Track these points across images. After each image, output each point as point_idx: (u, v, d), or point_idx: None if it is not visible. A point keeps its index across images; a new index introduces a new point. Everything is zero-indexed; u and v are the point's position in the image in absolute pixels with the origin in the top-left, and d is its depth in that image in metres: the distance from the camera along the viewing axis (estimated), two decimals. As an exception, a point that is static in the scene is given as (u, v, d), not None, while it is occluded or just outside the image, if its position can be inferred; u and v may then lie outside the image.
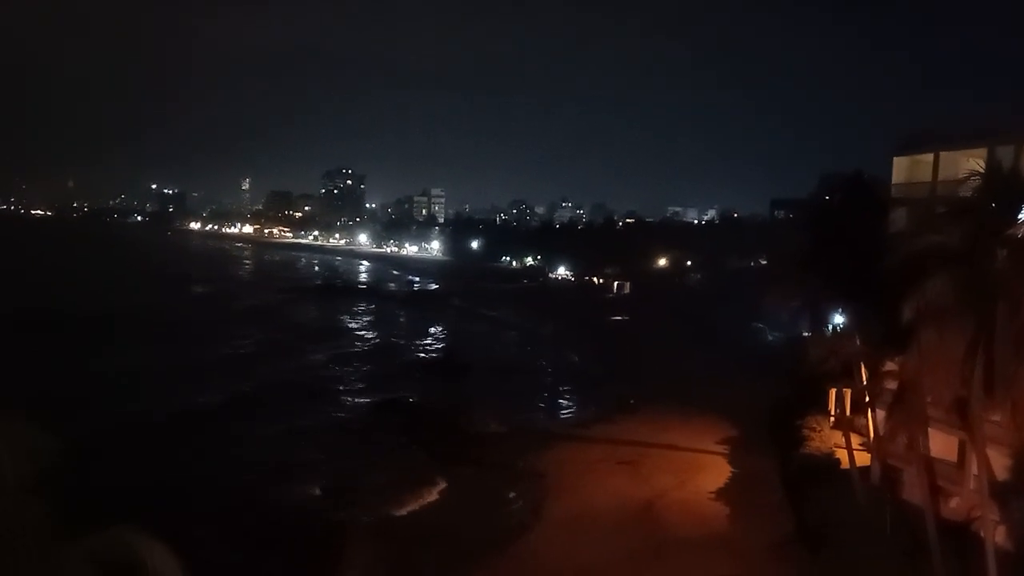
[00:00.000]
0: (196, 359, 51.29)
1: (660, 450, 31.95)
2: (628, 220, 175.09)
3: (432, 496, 27.42)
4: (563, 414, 42.83)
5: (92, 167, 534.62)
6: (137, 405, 37.96)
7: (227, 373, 47.29)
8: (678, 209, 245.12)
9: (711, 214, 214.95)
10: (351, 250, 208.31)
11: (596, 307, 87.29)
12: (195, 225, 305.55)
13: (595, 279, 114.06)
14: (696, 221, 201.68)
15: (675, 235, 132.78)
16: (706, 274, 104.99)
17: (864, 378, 23.87)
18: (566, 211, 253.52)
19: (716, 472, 29.22)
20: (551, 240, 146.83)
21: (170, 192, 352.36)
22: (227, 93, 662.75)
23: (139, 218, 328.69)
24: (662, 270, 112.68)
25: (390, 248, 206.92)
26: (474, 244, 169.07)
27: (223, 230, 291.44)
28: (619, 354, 57.41)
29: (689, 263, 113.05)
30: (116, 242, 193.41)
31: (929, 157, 26.49)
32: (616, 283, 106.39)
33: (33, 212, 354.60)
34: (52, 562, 7.62)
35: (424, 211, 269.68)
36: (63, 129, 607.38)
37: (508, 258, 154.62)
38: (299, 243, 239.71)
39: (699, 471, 29.38)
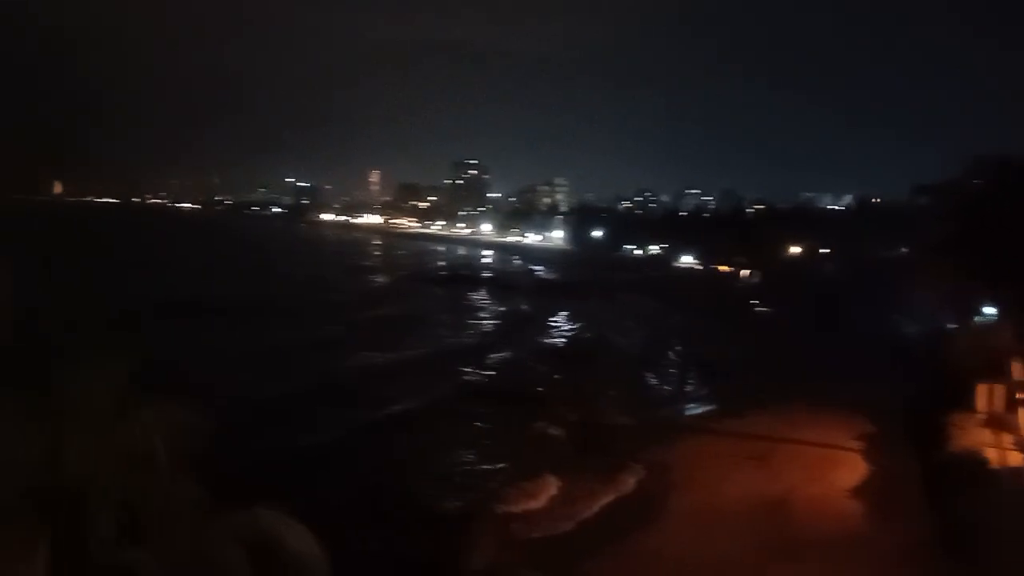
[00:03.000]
0: (325, 339, 53.69)
1: (791, 445, 30.76)
2: (758, 206, 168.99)
3: (553, 488, 27.47)
4: (689, 406, 41.96)
5: (235, 162, 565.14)
6: (281, 385, 39.70)
7: (348, 354, 49.24)
8: (811, 195, 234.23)
9: (847, 200, 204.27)
10: (474, 239, 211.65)
11: (723, 297, 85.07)
12: (327, 216, 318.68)
13: (723, 268, 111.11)
14: (831, 207, 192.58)
15: (808, 222, 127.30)
16: (841, 263, 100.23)
17: (1017, 372, 22.18)
18: (692, 198, 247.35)
19: (851, 469, 27.83)
20: (676, 228, 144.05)
21: (305, 185, 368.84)
22: (358, 88, 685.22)
23: (276, 210, 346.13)
24: (794, 258, 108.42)
25: (513, 237, 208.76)
26: (597, 233, 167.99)
27: (353, 221, 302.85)
28: (747, 345, 55.68)
29: (823, 251, 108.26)
30: (254, 233, 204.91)
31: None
32: (745, 272, 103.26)
33: (181, 206, 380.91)
34: (201, 538, 8.16)
35: (547, 200, 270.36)
36: (208, 126, 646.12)
37: (632, 247, 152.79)
38: (424, 233, 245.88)
39: (833, 468, 28.09)
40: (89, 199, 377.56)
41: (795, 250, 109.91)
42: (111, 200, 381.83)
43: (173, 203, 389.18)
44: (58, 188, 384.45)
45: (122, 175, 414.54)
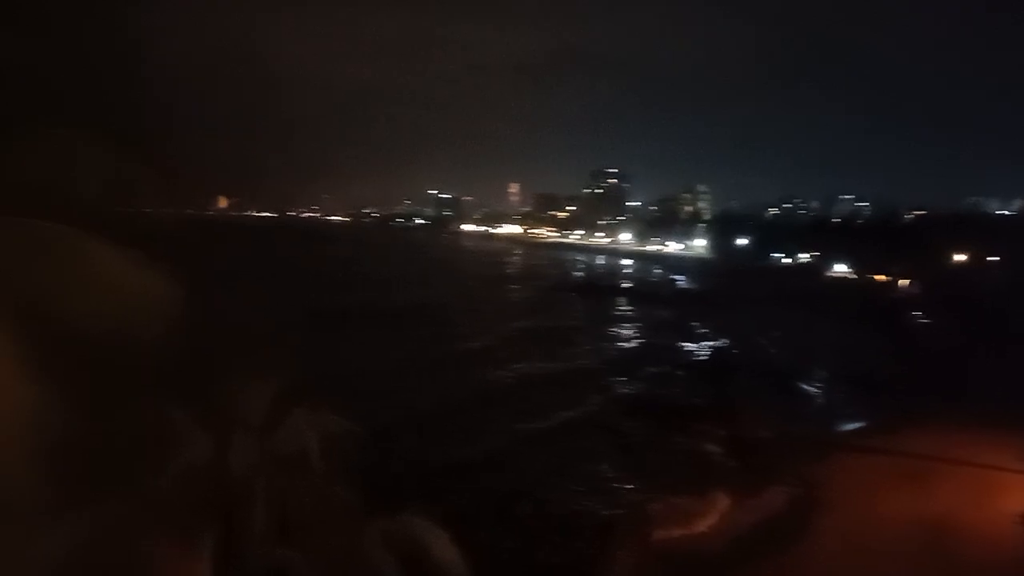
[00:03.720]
0: (466, 349, 54.49)
1: (952, 466, 28.39)
2: (917, 212, 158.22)
3: (700, 503, 26.64)
4: (838, 421, 39.79)
5: (382, 176, 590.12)
6: (433, 395, 40.46)
7: (494, 365, 49.71)
8: (976, 199, 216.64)
9: (1017, 204, 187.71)
10: (614, 248, 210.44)
11: (878, 308, 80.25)
12: (468, 227, 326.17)
13: (878, 277, 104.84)
14: (999, 212, 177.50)
15: (973, 228, 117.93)
16: (1013, 272, 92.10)
17: None
18: (845, 204, 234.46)
19: (1022, 494, 25.36)
20: (827, 235, 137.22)
21: (447, 197, 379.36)
22: (496, 100, 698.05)
23: (419, 222, 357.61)
24: (958, 267, 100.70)
25: (653, 246, 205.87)
26: (742, 241, 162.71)
27: (493, 231, 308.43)
28: (903, 358, 52.22)
29: (991, 259, 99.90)
30: (398, 243, 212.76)
31: None
32: (903, 282, 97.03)
33: (332, 218, 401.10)
34: (353, 541, 8.37)
35: (689, 208, 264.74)
36: (357, 141, 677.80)
37: (779, 255, 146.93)
38: (563, 242, 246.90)
39: (1000, 492, 25.64)
40: (250, 213, 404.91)
41: (959, 258, 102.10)
42: (269, 214, 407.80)
43: (324, 216, 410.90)
44: (223, 203, 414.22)
45: (278, 191, 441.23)
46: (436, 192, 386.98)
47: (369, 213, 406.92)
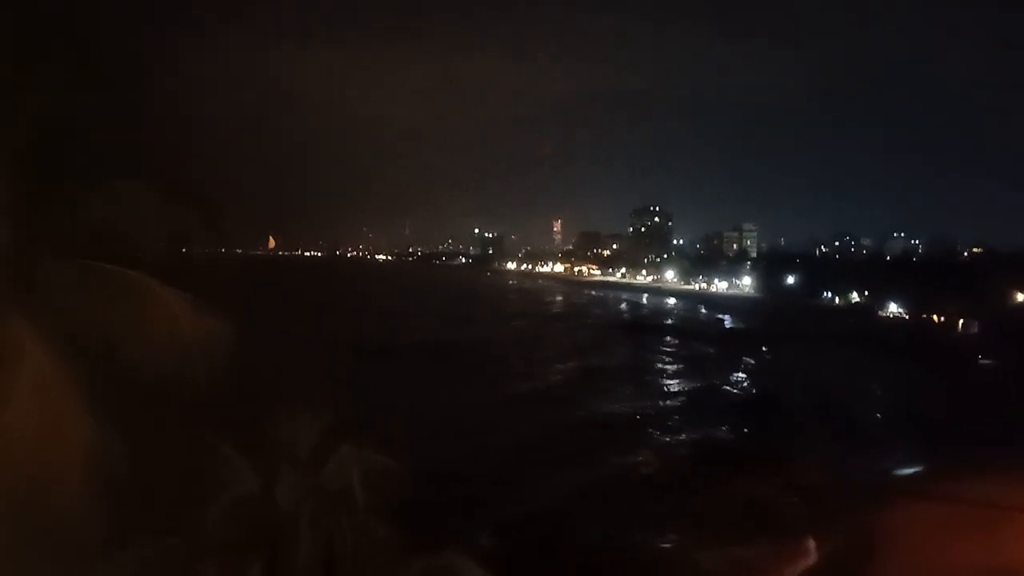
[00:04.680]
0: (512, 393, 54.42)
1: (1017, 514, 27.35)
2: (975, 250, 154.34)
3: (752, 552, 26.02)
4: (896, 466, 38.61)
5: (426, 214, 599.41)
6: (480, 433, 40.96)
7: (541, 408, 49.70)
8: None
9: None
10: (658, 287, 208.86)
11: (936, 348, 78.03)
12: (511, 265, 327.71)
13: (934, 317, 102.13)
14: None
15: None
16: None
17: None
18: (898, 242, 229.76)
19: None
20: (880, 274, 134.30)
21: (490, 235, 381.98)
22: (541, 138, 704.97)
23: (463, 260, 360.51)
24: (1021, 307, 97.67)
25: (698, 285, 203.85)
26: (790, 280, 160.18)
27: (536, 269, 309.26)
28: (965, 400, 50.57)
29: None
30: (443, 281, 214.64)
31: None
32: (961, 321, 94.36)
33: (378, 257, 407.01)
34: (394, 579, 8.43)
35: (735, 246, 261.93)
36: (402, 181, 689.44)
37: (829, 294, 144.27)
38: (607, 281, 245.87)
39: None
40: (298, 252, 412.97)
41: (1022, 298, 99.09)
42: (316, 253, 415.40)
43: (370, 255, 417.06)
44: (272, 243, 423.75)
45: (325, 230, 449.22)
46: (479, 230, 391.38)
47: (413, 251, 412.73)
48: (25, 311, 6.82)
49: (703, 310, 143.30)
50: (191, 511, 8.40)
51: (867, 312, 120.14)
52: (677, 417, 49.80)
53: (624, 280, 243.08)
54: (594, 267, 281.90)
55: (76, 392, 6.77)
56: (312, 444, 8.93)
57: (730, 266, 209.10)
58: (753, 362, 75.33)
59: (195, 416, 8.43)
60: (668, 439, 44.80)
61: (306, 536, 8.49)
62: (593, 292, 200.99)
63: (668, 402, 56.02)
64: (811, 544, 26.16)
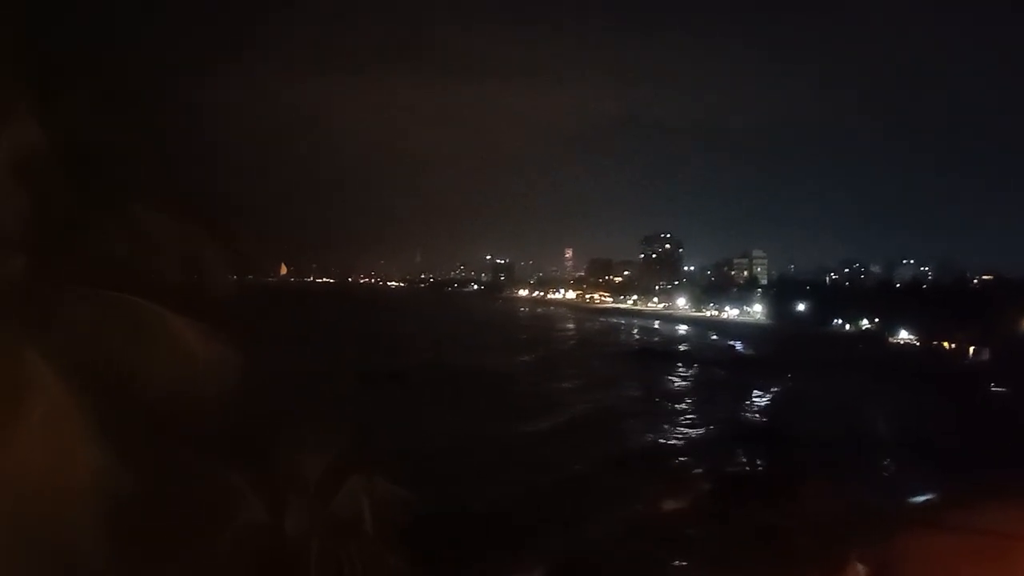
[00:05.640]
0: (521, 427, 53.76)
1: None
2: (985, 276, 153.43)
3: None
4: (908, 494, 38.13)
5: (437, 241, 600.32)
6: (482, 467, 40.53)
7: (555, 441, 49.40)
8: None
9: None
10: (669, 314, 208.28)
11: (948, 375, 77.40)
12: (522, 292, 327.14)
13: (945, 344, 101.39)
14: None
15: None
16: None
17: None
18: (907, 269, 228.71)
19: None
20: (890, 301, 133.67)
21: (502, 262, 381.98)
22: (552, 165, 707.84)
23: (474, 287, 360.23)
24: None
25: (709, 312, 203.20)
26: (800, 307, 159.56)
27: (547, 296, 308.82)
28: (978, 427, 50.09)
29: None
30: (454, 308, 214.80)
31: None
32: (972, 348, 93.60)
33: (389, 284, 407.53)
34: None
35: (745, 273, 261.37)
36: (413, 208, 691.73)
37: (839, 321, 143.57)
38: (618, 307, 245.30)
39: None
40: (310, 279, 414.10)
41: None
42: (327, 280, 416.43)
43: (381, 282, 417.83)
44: (283, 270, 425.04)
45: (337, 258, 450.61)
46: (491, 257, 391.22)
47: (425, 278, 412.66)
48: (40, 341, 6.88)
49: (713, 336, 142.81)
50: (201, 541, 8.38)
51: (877, 339, 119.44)
52: (690, 446, 49.61)
53: (635, 307, 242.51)
54: (605, 294, 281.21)
55: (88, 422, 6.81)
56: (321, 473, 8.94)
57: (741, 293, 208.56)
58: (765, 388, 74.85)
59: (204, 444, 8.44)
60: (679, 468, 44.86)
61: (315, 565, 8.47)
62: (604, 319, 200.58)
63: (680, 431, 55.96)
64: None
